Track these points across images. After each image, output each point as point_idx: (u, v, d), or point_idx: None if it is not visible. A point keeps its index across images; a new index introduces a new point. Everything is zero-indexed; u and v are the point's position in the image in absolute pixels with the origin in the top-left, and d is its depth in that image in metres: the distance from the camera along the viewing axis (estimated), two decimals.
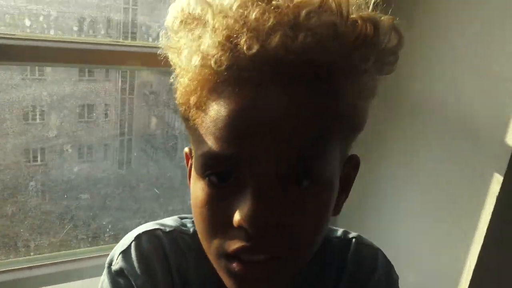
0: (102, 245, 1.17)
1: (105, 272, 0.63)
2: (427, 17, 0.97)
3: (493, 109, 0.87)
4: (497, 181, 0.87)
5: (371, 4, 0.52)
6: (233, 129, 0.49)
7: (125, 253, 0.63)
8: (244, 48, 0.46)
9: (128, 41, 0.90)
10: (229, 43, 0.47)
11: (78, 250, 1.10)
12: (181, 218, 0.69)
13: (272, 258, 0.50)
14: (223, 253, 0.51)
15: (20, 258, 1.00)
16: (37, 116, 0.92)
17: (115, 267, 0.62)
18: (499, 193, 0.87)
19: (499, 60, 0.85)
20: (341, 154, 0.54)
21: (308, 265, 0.60)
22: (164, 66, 0.56)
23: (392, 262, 0.71)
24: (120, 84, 1.09)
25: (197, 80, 0.50)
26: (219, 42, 0.47)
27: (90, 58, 0.84)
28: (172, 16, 0.53)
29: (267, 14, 0.47)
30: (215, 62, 0.47)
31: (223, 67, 0.47)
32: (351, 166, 0.59)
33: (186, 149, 0.62)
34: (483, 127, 0.88)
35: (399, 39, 0.52)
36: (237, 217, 0.48)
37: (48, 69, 0.97)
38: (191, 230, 0.66)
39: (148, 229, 0.65)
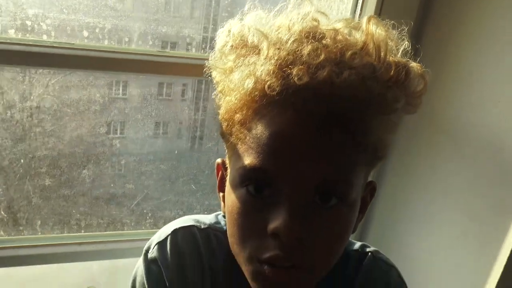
0: None
1: (142, 257, 0.68)
2: (459, 50, 0.98)
3: None
4: None
5: (401, 50, 0.58)
6: (273, 148, 0.53)
7: (161, 244, 0.67)
8: (296, 78, 0.51)
9: (173, 52, 0.99)
10: (282, 72, 0.52)
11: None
12: (217, 215, 0.73)
13: (297, 267, 0.55)
14: (256, 258, 0.56)
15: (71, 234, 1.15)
16: None
17: (151, 255, 0.67)
18: None
19: None
20: (364, 180, 0.60)
21: (326, 275, 0.64)
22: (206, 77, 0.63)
23: (412, 281, 0.74)
24: None
25: (244, 100, 0.55)
26: (272, 70, 0.53)
27: (137, 67, 0.95)
28: (223, 39, 0.60)
29: (318, 51, 0.52)
30: (268, 87, 0.52)
31: (275, 92, 0.52)
32: (369, 190, 0.65)
33: (219, 160, 0.67)
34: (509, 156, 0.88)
35: (424, 85, 0.58)
36: (273, 225, 0.52)
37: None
38: (225, 228, 0.69)
39: (185, 225, 0.69)
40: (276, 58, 0.53)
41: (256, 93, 0.54)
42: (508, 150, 0.88)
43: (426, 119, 1.04)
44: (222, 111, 0.60)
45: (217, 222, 0.71)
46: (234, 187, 0.58)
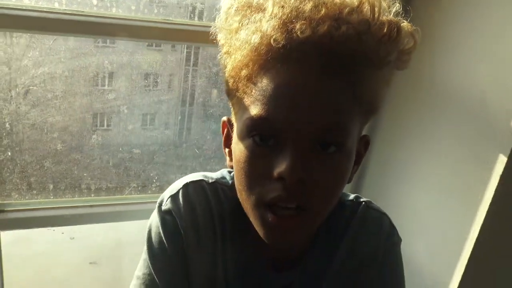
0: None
1: (155, 210, 0.72)
2: (445, 14, 1.04)
3: (502, 96, 0.92)
4: (501, 161, 0.93)
5: (393, 12, 0.62)
6: (278, 98, 0.57)
7: (174, 197, 0.71)
8: (298, 32, 0.55)
9: (178, 19, 1.04)
10: (285, 26, 0.56)
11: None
12: (222, 172, 0.77)
13: (299, 209, 0.59)
14: (261, 202, 0.59)
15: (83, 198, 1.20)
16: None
17: (164, 207, 0.71)
18: (503, 172, 0.93)
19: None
20: (358, 131, 0.64)
21: (323, 223, 0.69)
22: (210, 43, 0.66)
23: (402, 229, 0.79)
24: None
25: (251, 56, 0.58)
26: (277, 26, 0.56)
27: (143, 33, 1.00)
28: (229, 3, 0.63)
29: (319, 7, 0.56)
30: (274, 40, 0.56)
31: (280, 45, 0.56)
32: (363, 143, 0.69)
33: (225, 118, 0.71)
34: (492, 112, 0.94)
35: (414, 43, 0.62)
36: (278, 169, 0.56)
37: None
38: (230, 182, 0.74)
39: (194, 179, 0.73)
40: (280, 14, 0.57)
41: (262, 47, 0.57)
42: (488, 106, 0.94)
43: (415, 78, 1.10)
44: (228, 69, 0.63)
45: (223, 177, 0.75)
46: (241, 138, 0.61)
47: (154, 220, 0.72)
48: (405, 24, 0.61)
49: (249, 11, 0.61)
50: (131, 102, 1.11)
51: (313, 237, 0.74)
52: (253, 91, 0.59)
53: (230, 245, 0.73)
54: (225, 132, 0.71)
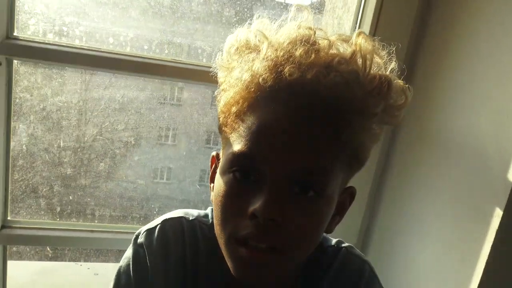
0: None
1: (132, 241, 0.73)
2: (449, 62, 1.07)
3: (500, 146, 0.89)
4: (497, 215, 0.89)
5: (389, 68, 0.63)
6: (260, 136, 0.58)
7: (150, 232, 0.72)
8: (287, 74, 0.57)
9: (185, 60, 1.14)
10: (275, 68, 0.58)
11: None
12: (210, 209, 0.76)
13: (271, 249, 0.58)
14: (234, 237, 0.59)
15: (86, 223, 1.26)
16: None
17: (139, 240, 0.72)
18: (499, 226, 0.88)
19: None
20: (342, 181, 0.63)
21: (302, 268, 0.70)
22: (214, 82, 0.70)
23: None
24: None
25: (241, 93, 0.60)
26: (268, 67, 0.58)
27: (153, 71, 1.10)
28: (230, 43, 0.66)
29: (309, 53, 0.58)
30: (263, 79, 0.58)
31: (267, 84, 0.58)
32: (348, 194, 0.69)
33: (214, 153, 0.72)
34: (490, 164, 0.91)
35: (405, 100, 0.63)
36: (252, 206, 0.56)
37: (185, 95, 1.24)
38: (210, 221, 0.74)
39: (174, 216, 0.74)
40: (273, 56, 0.59)
41: (252, 86, 0.59)
42: (488, 156, 0.92)
43: (419, 130, 1.11)
44: (221, 105, 0.65)
45: (206, 216, 0.76)
46: (223, 172, 0.62)
47: (128, 251, 0.73)
48: (397, 81, 0.63)
49: (247, 51, 0.63)
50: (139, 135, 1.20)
51: (289, 282, 0.73)
52: (240, 127, 0.60)
53: (200, 285, 0.72)
54: (213, 167, 0.72)
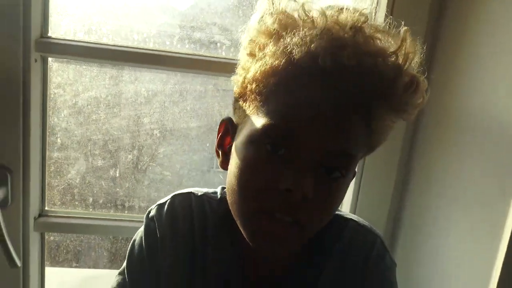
0: None
1: (145, 216, 0.77)
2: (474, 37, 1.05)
3: None
4: None
5: (417, 64, 0.64)
6: (304, 114, 0.57)
7: (160, 206, 0.76)
8: (345, 59, 0.56)
9: (206, 53, 1.20)
10: (333, 50, 0.56)
11: None
12: (220, 188, 0.79)
13: (295, 223, 0.60)
14: (260, 208, 0.59)
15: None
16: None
17: (151, 214, 0.76)
18: None
19: None
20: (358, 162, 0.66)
21: (313, 238, 0.68)
22: None
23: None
24: None
25: (286, 66, 0.58)
26: (326, 48, 0.56)
27: (173, 63, 1.17)
28: (282, 7, 0.63)
29: (368, 41, 0.59)
30: (322, 61, 0.56)
31: (325, 65, 0.56)
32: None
33: (225, 118, 0.70)
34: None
35: (422, 99, 0.64)
36: (287, 181, 0.57)
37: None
38: (219, 196, 0.77)
39: (184, 192, 0.77)
40: (335, 36, 0.58)
41: (305, 62, 0.57)
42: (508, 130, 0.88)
43: (446, 118, 1.09)
44: (252, 73, 0.61)
45: (214, 192, 0.78)
46: (251, 142, 0.61)
47: (143, 225, 0.77)
48: (423, 81, 0.63)
49: (301, 24, 0.60)
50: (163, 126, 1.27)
51: (300, 252, 0.74)
52: (279, 100, 0.59)
53: (211, 256, 0.74)
54: (222, 130, 0.71)
